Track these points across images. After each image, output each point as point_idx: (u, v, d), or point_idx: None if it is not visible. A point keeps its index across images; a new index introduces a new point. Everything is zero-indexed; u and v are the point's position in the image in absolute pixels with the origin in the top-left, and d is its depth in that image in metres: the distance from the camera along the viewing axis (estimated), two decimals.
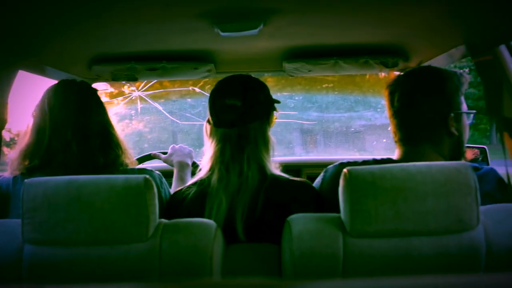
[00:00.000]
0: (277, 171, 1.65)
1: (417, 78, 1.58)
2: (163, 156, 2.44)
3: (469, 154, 2.81)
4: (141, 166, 2.70)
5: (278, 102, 1.70)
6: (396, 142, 1.62)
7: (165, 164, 2.51)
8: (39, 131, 1.63)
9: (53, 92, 1.67)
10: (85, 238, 1.27)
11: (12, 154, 1.67)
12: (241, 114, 1.57)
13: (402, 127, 1.58)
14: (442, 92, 1.54)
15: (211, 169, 1.60)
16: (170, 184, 2.17)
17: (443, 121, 1.53)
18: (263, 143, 1.63)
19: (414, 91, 1.55)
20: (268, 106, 1.66)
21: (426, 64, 2.16)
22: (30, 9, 1.33)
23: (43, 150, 1.61)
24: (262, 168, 1.60)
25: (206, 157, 1.64)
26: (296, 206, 1.54)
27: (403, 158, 1.57)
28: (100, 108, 1.74)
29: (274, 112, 1.69)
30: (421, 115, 1.54)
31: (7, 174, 1.66)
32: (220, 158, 1.59)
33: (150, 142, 3.93)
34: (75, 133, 1.62)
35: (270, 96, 1.68)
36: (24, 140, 1.65)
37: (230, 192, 1.54)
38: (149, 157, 2.80)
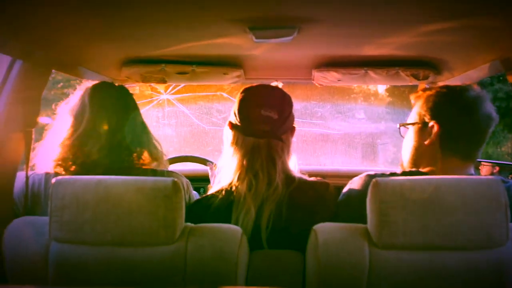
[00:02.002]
0: (299, 174, 1.66)
1: (472, 96, 1.52)
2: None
3: (488, 170, 2.75)
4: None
5: None
6: (435, 154, 1.54)
7: (191, 168, 2.49)
8: (79, 130, 1.64)
9: (102, 94, 1.70)
10: (111, 239, 1.28)
11: (45, 150, 1.68)
12: (276, 126, 1.57)
13: (451, 140, 1.52)
14: (492, 116, 1.52)
15: (239, 178, 1.59)
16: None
17: (483, 140, 1.53)
18: (288, 154, 1.66)
19: (472, 107, 1.50)
20: (293, 119, 1.68)
21: (457, 78, 2.13)
22: (69, 12, 1.35)
23: (81, 149, 1.61)
24: (288, 176, 1.61)
25: (231, 166, 1.63)
26: (321, 206, 1.58)
27: (440, 171, 1.51)
28: (137, 110, 1.79)
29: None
30: (473, 131, 1.51)
31: (38, 171, 1.68)
32: (250, 168, 1.58)
33: (176, 145, 3.94)
34: (114, 134, 1.64)
35: None
36: (59, 138, 1.66)
37: (259, 200, 1.54)
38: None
